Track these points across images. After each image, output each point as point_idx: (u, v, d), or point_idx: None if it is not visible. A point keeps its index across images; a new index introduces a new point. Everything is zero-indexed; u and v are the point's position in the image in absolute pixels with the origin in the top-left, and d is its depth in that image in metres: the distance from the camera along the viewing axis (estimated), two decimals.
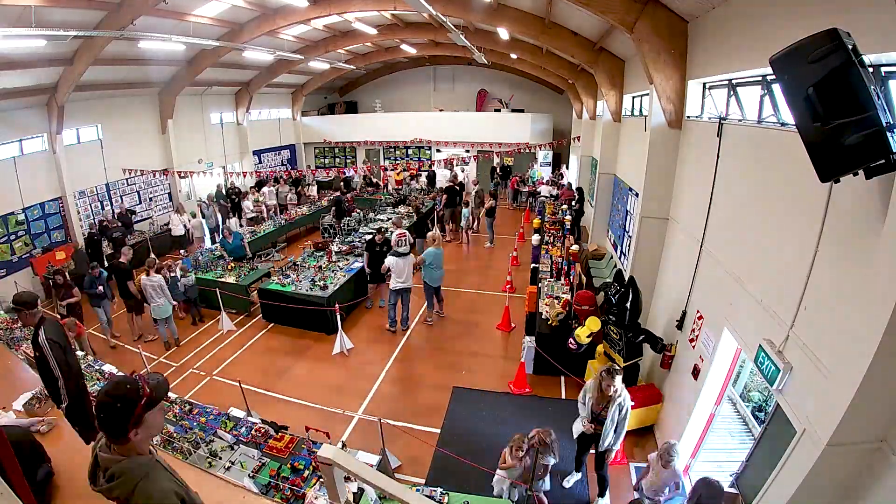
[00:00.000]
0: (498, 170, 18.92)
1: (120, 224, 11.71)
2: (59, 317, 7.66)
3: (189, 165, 14.58)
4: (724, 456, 5.06)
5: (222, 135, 16.63)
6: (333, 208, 13.88)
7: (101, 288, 7.77)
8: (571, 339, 6.02)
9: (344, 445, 4.73)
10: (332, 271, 9.21)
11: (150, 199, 13.71)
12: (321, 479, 3.76)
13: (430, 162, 19.21)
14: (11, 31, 6.69)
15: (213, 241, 12.60)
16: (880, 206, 2.36)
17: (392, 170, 18.96)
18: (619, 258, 8.84)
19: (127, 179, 12.86)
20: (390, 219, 12.91)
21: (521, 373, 6.70)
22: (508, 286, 9.81)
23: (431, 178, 17.92)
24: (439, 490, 3.90)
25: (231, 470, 4.08)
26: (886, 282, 2.23)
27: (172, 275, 8.32)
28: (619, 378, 4.35)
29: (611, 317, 5.75)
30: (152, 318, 7.87)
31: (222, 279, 9.11)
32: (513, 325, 8.42)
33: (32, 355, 3.99)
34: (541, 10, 8.54)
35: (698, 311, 4.90)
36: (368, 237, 9.71)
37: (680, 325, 5.26)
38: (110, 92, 11.67)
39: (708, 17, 4.86)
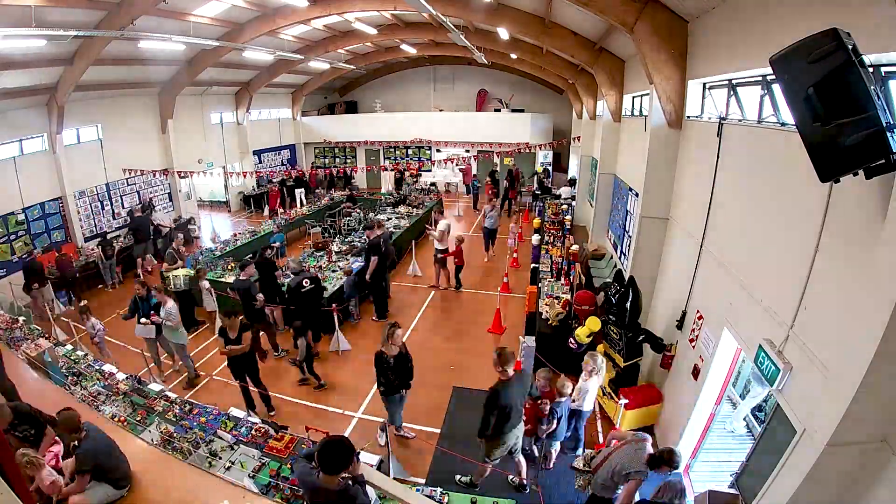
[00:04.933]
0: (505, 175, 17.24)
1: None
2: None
3: (189, 165, 14.58)
4: (724, 456, 5.07)
5: (222, 135, 16.64)
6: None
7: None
8: (572, 339, 6.03)
9: None
10: (333, 271, 9.21)
11: (150, 199, 13.71)
12: None
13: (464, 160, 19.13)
14: (11, 31, 6.70)
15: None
16: (880, 207, 2.35)
17: (393, 169, 18.97)
18: (619, 258, 8.84)
19: (127, 179, 12.86)
20: (390, 219, 12.93)
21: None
22: (504, 286, 9.80)
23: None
24: (439, 490, 3.90)
25: (231, 470, 4.08)
26: (886, 282, 2.23)
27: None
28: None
29: (611, 317, 5.75)
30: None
31: (222, 279, 9.10)
32: (504, 325, 8.41)
33: None
34: (541, 10, 8.54)
35: (698, 311, 4.90)
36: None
37: (680, 325, 5.26)
38: (110, 92, 11.68)
39: (708, 17, 4.86)
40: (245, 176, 16.19)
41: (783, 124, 3.60)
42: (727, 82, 4.68)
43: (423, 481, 4.90)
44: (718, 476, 4.71)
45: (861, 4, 2.56)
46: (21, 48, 7.85)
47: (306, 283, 7.26)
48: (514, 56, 14.00)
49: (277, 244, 11.46)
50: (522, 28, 9.19)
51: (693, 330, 4.94)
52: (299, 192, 16.06)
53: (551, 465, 5.17)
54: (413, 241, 11.52)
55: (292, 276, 7.41)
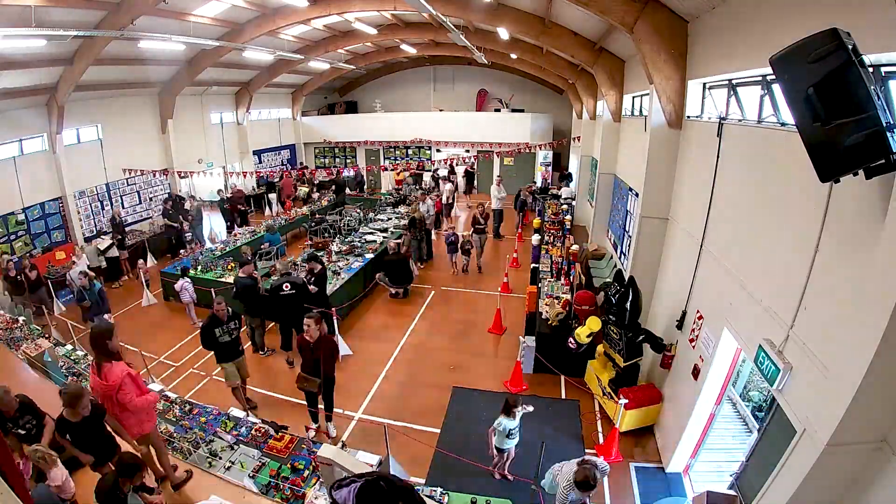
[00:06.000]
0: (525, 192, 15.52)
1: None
2: None
3: (189, 165, 14.58)
4: (724, 456, 5.07)
5: (222, 135, 16.64)
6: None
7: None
8: (571, 339, 6.03)
9: (344, 445, 4.73)
10: (333, 271, 9.20)
11: (150, 199, 13.71)
12: (321, 479, 3.76)
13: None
14: (11, 31, 6.70)
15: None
16: (880, 207, 2.36)
17: (393, 169, 18.97)
18: (619, 258, 8.84)
19: (127, 179, 12.87)
20: (390, 219, 12.93)
21: (518, 372, 6.70)
22: (504, 286, 9.83)
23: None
24: (439, 490, 3.90)
25: (231, 470, 4.09)
26: (886, 281, 2.23)
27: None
28: None
29: (611, 317, 5.75)
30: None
31: (222, 279, 9.10)
32: (504, 326, 8.42)
33: None
34: (541, 10, 8.54)
35: (698, 311, 4.90)
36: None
37: (680, 325, 5.26)
38: (110, 92, 11.68)
39: (708, 17, 4.86)
40: (245, 176, 16.20)
41: (783, 124, 3.60)
42: (727, 82, 4.68)
43: (423, 481, 4.90)
44: (718, 476, 4.71)
45: (861, 4, 2.56)
46: (21, 48, 7.84)
47: (286, 287, 7.11)
48: (514, 56, 14.00)
49: (274, 246, 11.31)
50: (522, 28, 9.19)
51: (693, 330, 4.94)
52: (273, 197, 16.38)
53: None
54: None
55: (279, 276, 7.50)
